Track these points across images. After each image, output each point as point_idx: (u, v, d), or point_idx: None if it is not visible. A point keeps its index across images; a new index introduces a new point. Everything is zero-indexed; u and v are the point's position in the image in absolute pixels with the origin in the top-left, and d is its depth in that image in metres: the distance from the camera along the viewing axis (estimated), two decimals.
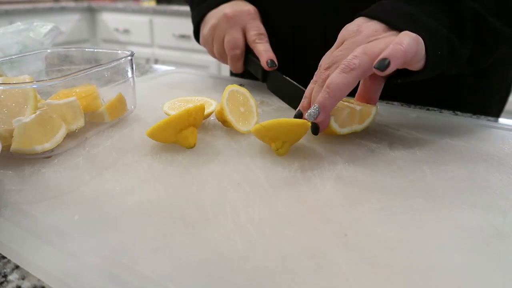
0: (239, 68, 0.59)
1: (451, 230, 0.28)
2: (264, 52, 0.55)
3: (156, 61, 2.54)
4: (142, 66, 0.82)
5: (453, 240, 0.27)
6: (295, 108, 0.46)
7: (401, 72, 0.41)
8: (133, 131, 0.45)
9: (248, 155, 0.39)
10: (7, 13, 2.24)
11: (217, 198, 0.31)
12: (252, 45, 0.57)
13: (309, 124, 0.39)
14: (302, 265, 0.24)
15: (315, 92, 0.40)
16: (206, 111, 0.45)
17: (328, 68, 0.40)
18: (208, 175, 0.35)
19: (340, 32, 0.43)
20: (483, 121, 0.50)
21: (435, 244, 0.26)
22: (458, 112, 0.54)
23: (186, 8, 2.25)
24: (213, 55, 0.63)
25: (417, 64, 0.38)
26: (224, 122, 0.45)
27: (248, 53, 0.58)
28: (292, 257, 0.25)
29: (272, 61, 0.54)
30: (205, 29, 0.60)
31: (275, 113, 0.52)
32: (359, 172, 0.36)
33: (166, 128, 0.39)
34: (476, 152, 0.40)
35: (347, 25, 0.43)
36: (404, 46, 0.35)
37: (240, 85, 0.47)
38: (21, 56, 0.50)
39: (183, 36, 2.35)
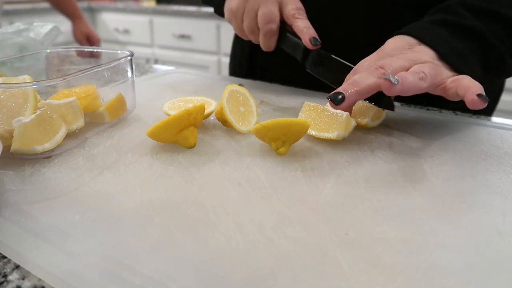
0: (272, 45, 0.54)
1: (451, 229, 0.28)
2: (306, 29, 0.50)
3: (156, 61, 2.54)
4: (142, 66, 0.82)
5: (453, 239, 0.27)
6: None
7: None
8: (133, 131, 0.45)
9: (248, 155, 0.39)
10: (7, 13, 2.24)
11: (217, 198, 0.31)
12: (290, 21, 0.52)
13: (309, 123, 0.39)
14: (303, 264, 0.24)
15: (364, 77, 0.39)
16: (206, 111, 0.45)
17: (383, 67, 0.40)
18: (209, 175, 0.35)
19: (387, 42, 0.44)
20: (482, 120, 0.50)
21: (436, 243, 0.26)
22: (458, 112, 0.54)
23: (186, 8, 2.25)
24: (240, 31, 0.56)
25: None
26: (224, 122, 0.45)
27: (283, 29, 0.53)
28: (293, 256, 0.25)
29: (315, 38, 0.50)
30: (234, 1, 0.54)
31: (275, 113, 0.52)
32: (359, 171, 0.36)
33: (166, 128, 0.39)
34: (475, 152, 0.40)
35: (393, 39, 0.44)
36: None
37: (240, 85, 0.47)
38: (21, 56, 0.50)
39: (183, 36, 2.35)
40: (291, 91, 0.61)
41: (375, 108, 0.45)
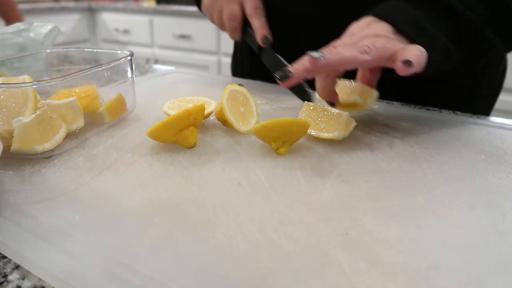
0: (238, 38, 0.62)
1: (451, 229, 0.28)
2: (260, 28, 0.57)
3: (156, 61, 2.54)
4: (142, 66, 0.82)
5: (453, 239, 0.27)
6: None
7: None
8: (133, 131, 0.45)
9: (248, 154, 0.39)
10: None
11: (217, 198, 0.31)
12: (249, 19, 0.58)
13: (309, 123, 0.39)
14: (303, 264, 0.24)
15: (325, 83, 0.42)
16: (206, 111, 0.45)
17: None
18: (209, 175, 0.35)
19: (349, 27, 0.44)
20: (482, 120, 0.50)
21: (436, 243, 0.26)
22: (458, 112, 0.54)
23: (186, 8, 2.25)
24: (214, 23, 0.65)
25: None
26: (224, 122, 0.45)
27: (247, 25, 0.60)
28: (293, 256, 0.25)
29: (266, 38, 0.56)
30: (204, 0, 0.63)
31: (275, 113, 0.52)
32: (359, 171, 0.36)
33: (166, 128, 0.39)
34: (475, 151, 0.40)
35: (355, 22, 0.44)
36: (424, 57, 0.38)
37: (240, 85, 0.47)
38: (21, 56, 0.50)
39: (183, 36, 2.35)
40: (291, 91, 0.61)
41: (359, 89, 0.47)
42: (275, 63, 0.56)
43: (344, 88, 0.48)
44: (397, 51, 0.38)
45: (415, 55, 0.37)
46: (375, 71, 0.47)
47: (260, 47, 0.59)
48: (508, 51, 0.51)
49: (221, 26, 0.63)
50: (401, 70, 0.36)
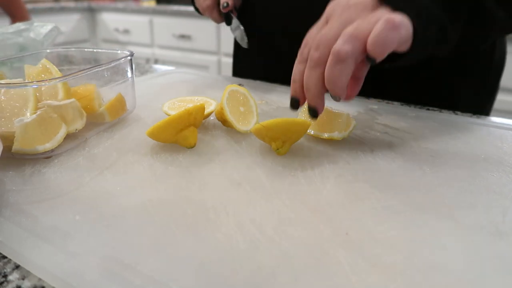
0: (215, 18, 0.65)
1: (452, 229, 0.28)
2: None
3: (156, 61, 2.54)
4: (142, 66, 0.82)
5: (454, 239, 0.27)
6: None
7: (389, 57, 0.38)
8: (133, 131, 0.45)
9: (248, 154, 0.39)
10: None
11: (218, 198, 0.31)
12: None
13: (309, 123, 0.39)
14: (303, 264, 0.24)
15: (308, 77, 0.38)
16: (206, 111, 0.45)
17: (317, 48, 0.37)
18: (209, 175, 0.35)
19: (328, 5, 0.41)
20: (482, 120, 0.50)
21: (436, 243, 0.26)
22: (458, 112, 0.54)
23: (186, 8, 2.25)
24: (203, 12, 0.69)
25: (402, 46, 0.36)
26: (224, 122, 0.45)
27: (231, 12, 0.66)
28: (293, 256, 0.25)
29: (226, 3, 0.61)
30: None
31: (275, 113, 0.52)
32: (360, 171, 0.36)
33: (166, 128, 0.39)
34: (475, 151, 0.40)
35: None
36: (389, 38, 0.34)
37: (240, 85, 0.47)
38: (21, 56, 0.50)
39: (183, 36, 2.35)
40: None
41: (341, 118, 0.42)
42: (238, 33, 0.65)
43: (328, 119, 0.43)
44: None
45: (378, 29, 0.33)
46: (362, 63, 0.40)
47: (227, 18, 0.64)
48: None
49: (202, 9, 0.66)
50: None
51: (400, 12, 0.35)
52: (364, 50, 0.35)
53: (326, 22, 0.40)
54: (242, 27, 0.65)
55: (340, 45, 0.35)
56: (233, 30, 0.66)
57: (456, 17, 0.39)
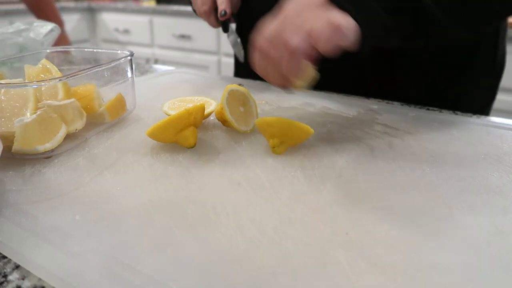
0: (212, 23, 0.65)
1: (451, 228, 0.28)
2: (221, 4, 0.61)
3: (156, 61, 2.54)
4: (142, 66, 0.82)
5: (453, 238, 0.27)
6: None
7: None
8: (133, 131, 0.45)
9: (248, 154, 0.39)
10: (7, 13, 2.24)
11: (218, 198, 0.31)
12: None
13: (312, 131, 0.39)
14: (303, 264, 0.24)
15: (273, 75, 0.43)
16: (206, 111, 0.45)
17: (271, 43, 0.39)
18: (209, 175, 0.35)
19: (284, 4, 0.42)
20: (482, 120, 0.50)
21: (436, 243, 0.26)
22: (458, 112, 0.54)
23: (186, 8, 2.25)
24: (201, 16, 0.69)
25: (347, 44, 0.38)
26: (224, 122, 0.45)
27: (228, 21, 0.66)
28: (293, 256, 0.25)
29: (224, 11, 0.60)
30: None
31: (275, 113, 0.52)
32: (360, 171, 0.36)
33: (166, 128, 0.39)
34: (475, 151, 0.40)
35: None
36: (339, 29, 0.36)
37: (240, 85, 0.47)
38: (21, 56, 0.50)
39: (183, 36, 2.35)
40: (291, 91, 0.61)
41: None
42: (236, 46, 0.66)
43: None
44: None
45: (322, 29, 0.36)
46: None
47: (224, 26, 0.64)
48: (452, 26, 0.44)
49: (199, 13, 0.66)
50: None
51: (345, 12, 0.37)
52: (314, 46, 0.37)
53: (282, 19, 0.41)
54: (239, 40, 0.65)
55: (295, 44, 0.37)
56: (232, 45, 0.67)
57: (399, 18, 0.41)
